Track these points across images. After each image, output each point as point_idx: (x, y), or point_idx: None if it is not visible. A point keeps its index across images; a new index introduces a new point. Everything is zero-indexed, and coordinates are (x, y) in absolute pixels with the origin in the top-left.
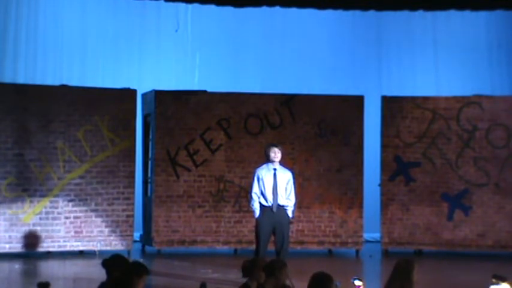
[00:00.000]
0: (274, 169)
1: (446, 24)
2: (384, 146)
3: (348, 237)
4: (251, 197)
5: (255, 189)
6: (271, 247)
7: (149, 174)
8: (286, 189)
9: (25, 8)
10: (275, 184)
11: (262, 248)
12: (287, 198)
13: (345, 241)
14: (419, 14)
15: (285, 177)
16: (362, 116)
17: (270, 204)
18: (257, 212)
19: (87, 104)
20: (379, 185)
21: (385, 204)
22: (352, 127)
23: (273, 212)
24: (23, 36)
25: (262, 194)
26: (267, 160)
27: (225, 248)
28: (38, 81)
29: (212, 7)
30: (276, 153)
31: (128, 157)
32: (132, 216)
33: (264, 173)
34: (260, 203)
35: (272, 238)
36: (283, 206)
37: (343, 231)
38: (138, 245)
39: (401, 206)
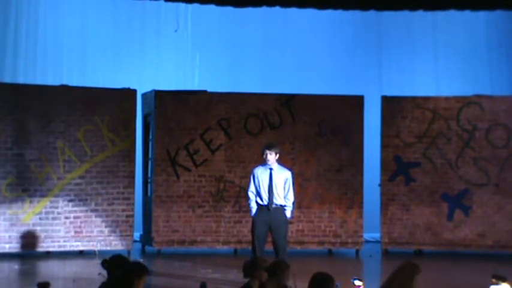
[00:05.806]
0: (271, 168)
1: (446, 24)
2: (384, 146)
3: (348, 237)
4: (248, 195)
5: (251, 188)
6: (270, 247)
7: (149, 174)
8: (284, 188)
9: (25, 8)
10: (271, 183)
11: (258, 247)
12: (285, 198)
13: (345, 241)
14: (419, 14)
15: (282, 176)
16: (362, 116)
17: (265, 203)
18: (253, 211)
19: (87, 104)
20: (379, 185)
21: (385, 204)
22: (352, 127)
23: (269, 211)
24: (23, 36)
25: (258, 193)
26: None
27: (225, 248)
28: (38, 81)
29: (212, 7)
30: (267, 156)
31: (128, 157)
32: (132, 216)
33: (260, 172)
34: (257, 201)
35: (270, 238)
36: (280, 205)
37: (343, 231)
38: (138, 245)
39: (401, 206)
